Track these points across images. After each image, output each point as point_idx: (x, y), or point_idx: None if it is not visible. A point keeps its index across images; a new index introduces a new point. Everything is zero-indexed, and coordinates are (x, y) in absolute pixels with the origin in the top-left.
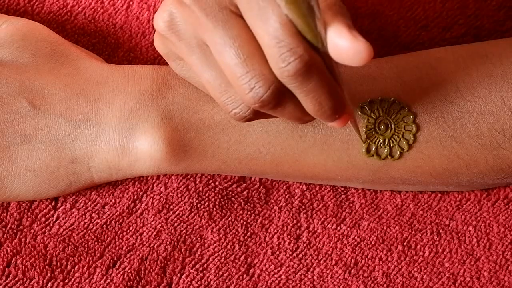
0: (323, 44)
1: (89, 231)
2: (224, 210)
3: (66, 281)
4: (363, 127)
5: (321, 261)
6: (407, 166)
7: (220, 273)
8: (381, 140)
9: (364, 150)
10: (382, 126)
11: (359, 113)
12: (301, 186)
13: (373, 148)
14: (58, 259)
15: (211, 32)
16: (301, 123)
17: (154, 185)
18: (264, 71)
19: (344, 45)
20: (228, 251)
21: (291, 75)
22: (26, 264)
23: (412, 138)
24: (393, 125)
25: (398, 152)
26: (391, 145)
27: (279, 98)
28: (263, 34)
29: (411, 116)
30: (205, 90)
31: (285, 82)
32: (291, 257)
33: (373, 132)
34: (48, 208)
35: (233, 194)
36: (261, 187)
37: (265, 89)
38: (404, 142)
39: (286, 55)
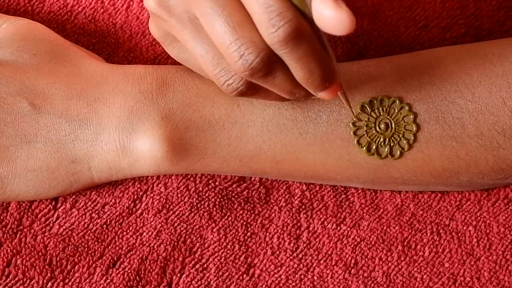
0: (309, 11)
1: (89, 231)
2: (224, 210)
3: (66, 281)
4: (363, 127)
5: (321, 261)
6: (407, 166)
7: (220, 273)
8: (382, 139)
9: (351, 125)
10: (383, 125)
11: (359, 111)
12: (301, 186)
13: (374, 147)
14: (58, 259)
15: (201, 4)
16: (292, 97)
17: (154, 185)
18: (254, 38)
19: (327, 13)
20: (228, 251)
21: (281, 40)
22: (26, 264)
23: (412, 138)
24: (393, 125)
25: (398, 152)
26: (392, 144)
27: (269, 66)
28: (251, 0)
29: (412, 116)
30: (201, 72)
31: (276, 49)
32: (291, 257)
33: (373, 131)
34: (48, 208)
35: (233, 194)
36: (261, 187)
37: (254, 56)
38: (405, 142)
39: (275, 20)
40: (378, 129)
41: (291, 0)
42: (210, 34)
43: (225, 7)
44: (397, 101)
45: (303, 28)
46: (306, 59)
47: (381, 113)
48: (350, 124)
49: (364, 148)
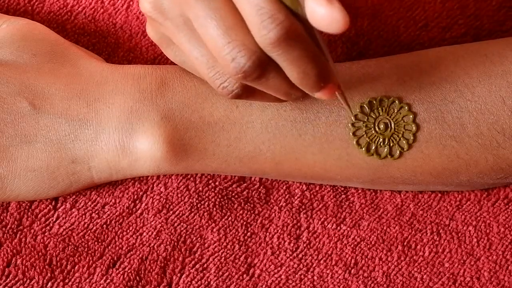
0: (302, 10)
1: (89, 231)
2: (224, 210)
3: (66, 281)
4: (362, 127)
5: (321, 261)
6: (407, 166)
7: (220, 273)
8: (381, 139)
9: (350, 125)
10: (382, 126)
11: (359, 112)
12: (301, 186)
13: (373, 147)
14: (58, 259)
15: (194, 7)
16: (288, 98)
17: (154, 185)
18: (246, 41)
19: (320, 12)
20: (228, 251)
21: (273, 43)
22: (26, 264)
23: (412, 138)
24: (393, 125)
25: (398, 152)
26: (391, 145)
27: (262, 68)
28: (244, 2)
29: (411, 116)
30: (198, 73)
31: (268, 51)
32: (291, 257)
33: (373, 131)
34: (48, 208)
35: (233, 194)
36: (261, 187)
37: (246, 59)
38: (404, 142)
39: (267, 22)
40: (377, 129)
41: (283, 1)
42: (203, 37)
43: (218, 10)
44: (397, 101)
45: (295, 30)
46: (299, 61)
47: (381, 113)
48: (349, 124)
49: (363, 149)
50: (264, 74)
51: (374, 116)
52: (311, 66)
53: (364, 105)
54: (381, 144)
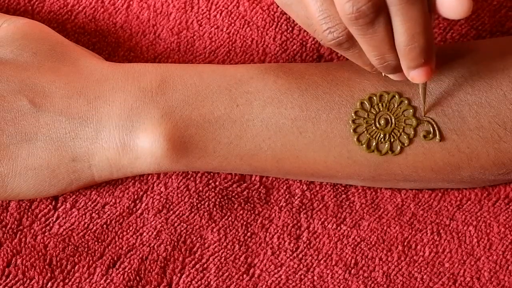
0: None
1: (89, 231)
2: (224, 210)
3: (66, 281)
4: (363, 124)
5: (321, 261)
6: (408, 161)
7: (220, 273)
8: (382, 135)
9: (350, 122)
10: (382, 121)
11: (359, 108)
12: (301, 186)
13: (374, 144)
14: (58, 259)
15: None
16: (381, 63)
17: (154, 185)
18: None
19: None
20: (228, 251)
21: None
22: (26, 264)
23: (412, 132)
24: (393, 120)
25: (398, 147)
26: (392, 140)
27: (376, 14)
28: None
29: (411, 110)
30: (300, 20)
31: (391, 1)
32: (291, 257)
33: (373, 127)
34: (48, 208)
35: (233, 194)
36: (261, 187)
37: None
38: (405, 136)
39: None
40: (378, 125)
41: None
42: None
43: None
44: (397, 96)
45: None
46: (414, 22)
47: (381, 109)
48: (350, 121)
49: (364, 145)
50: (374, 22)
51: (374, 112)
52: (422, 33)
53: (365, 101)
54: (382, 140)
